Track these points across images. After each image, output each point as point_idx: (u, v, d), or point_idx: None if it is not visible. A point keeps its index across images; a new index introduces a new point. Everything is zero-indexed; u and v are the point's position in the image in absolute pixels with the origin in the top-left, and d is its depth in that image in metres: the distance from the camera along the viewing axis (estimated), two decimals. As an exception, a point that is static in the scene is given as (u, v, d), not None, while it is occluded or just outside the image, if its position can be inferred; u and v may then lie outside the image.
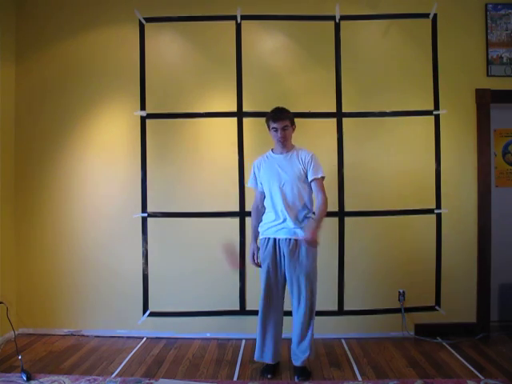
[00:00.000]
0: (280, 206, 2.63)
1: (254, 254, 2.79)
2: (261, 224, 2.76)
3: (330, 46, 3.34)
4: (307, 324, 2.64)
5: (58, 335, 3.38)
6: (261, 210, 2.81)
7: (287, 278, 2.67)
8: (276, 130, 2.64)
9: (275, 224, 2.65)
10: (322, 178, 2.67)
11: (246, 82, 3.35)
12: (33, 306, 3.41)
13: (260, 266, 2.75)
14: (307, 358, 2.66)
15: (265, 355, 2.71)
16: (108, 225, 3.39)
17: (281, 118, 2.63)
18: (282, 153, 2.71)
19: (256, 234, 2.81)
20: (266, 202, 2.74)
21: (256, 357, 2.74)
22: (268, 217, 2.71)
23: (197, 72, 3.38)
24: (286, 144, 2.68)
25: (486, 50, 3.33)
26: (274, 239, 2.66)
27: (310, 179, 2.65)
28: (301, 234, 2.58)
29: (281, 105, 2.74)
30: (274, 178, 2.67)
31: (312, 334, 2.66)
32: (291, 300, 2.70)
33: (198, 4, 3.36)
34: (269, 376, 2.68)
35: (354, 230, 3.33)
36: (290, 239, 2.62)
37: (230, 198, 3.34)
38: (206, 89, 3.37)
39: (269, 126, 2.70)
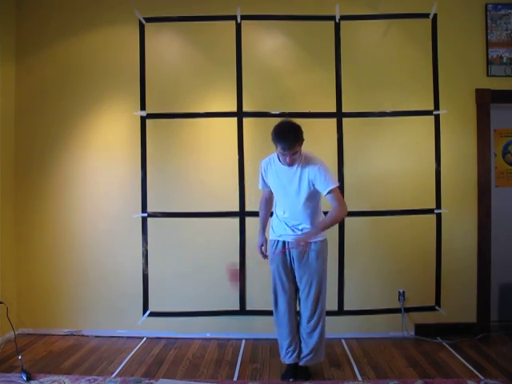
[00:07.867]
0: (286, 217, 2.61)
1: (262, 244, 2.76)
2: (270, 226, 2.75)
3: (330, 46, 3.34)
4: (315, 325, 2.60)
5: (58, 335, 3.38)
6: (269, 202, 2.80)
7: (297, 280, 2.64)
8: (285, 155, 2.47)
9: (283, 233, 2.64)
10: (337, 187, 2.50)
11: (246, 82, 3.34)
12: (33, 306, 3.41)
13: (266, 257, 2.74)
14: (312, 358, 2.62)
15: (287, 356, 2.65)
16: (108, 225, 3.39)
17: (291, 148, 2.41)
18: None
19: (264, 226, 2.78)
20: (275, 203, 2.73)
21: (282, 357, 2.68)
22: (276, 222, 2.69)
23: (197, 72, 3.38)
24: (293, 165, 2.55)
25: (486, 49, 3.33)
26: (284, 242, 2.65)
27: (324, 193, 2.52)
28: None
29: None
30: (280, 189, 2.62)
31: (319, 337, 2.61)
32: (299, 301, 2.66)
33: (198, 4, 3.36)
34: (291, 379, 2.62)
35: (353, 230, 3.33)
36: None
37: (229, 198, 3.34)
38: (205, 89, 3.37)
39: (276, 147, 2.49)
